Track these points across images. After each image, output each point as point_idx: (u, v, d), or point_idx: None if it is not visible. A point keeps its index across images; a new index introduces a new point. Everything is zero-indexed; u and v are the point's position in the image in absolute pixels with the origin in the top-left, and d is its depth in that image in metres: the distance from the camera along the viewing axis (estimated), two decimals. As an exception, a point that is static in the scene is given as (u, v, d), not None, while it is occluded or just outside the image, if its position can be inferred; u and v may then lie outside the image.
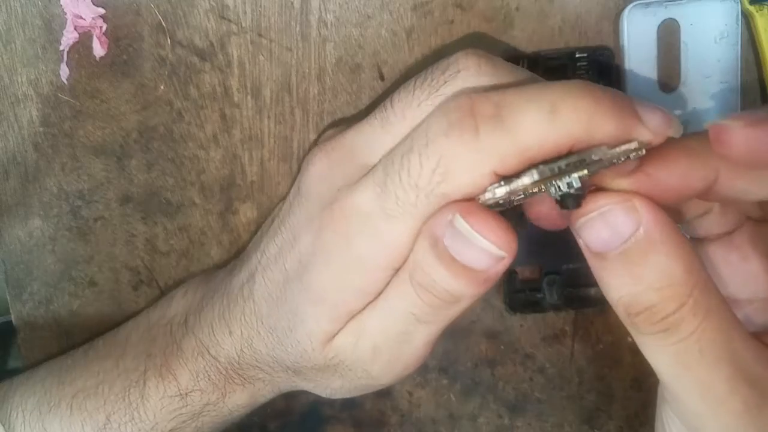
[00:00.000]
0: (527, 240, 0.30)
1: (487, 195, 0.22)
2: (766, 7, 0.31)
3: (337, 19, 0.31)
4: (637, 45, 0.31)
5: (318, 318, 0.26)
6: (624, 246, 0.21)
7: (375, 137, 0.25)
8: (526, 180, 0.22)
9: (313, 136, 0.32)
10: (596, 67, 0.31)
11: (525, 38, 0.32)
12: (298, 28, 0.31)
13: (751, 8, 0.31)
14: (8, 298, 0.33)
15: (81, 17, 0.29)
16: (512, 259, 0.24)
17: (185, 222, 0.33)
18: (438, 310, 0.25)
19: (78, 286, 0.33)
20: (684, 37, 0.32)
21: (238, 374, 0.29)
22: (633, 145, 0.21)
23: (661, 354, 0.22)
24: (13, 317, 0.33)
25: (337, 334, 0.26)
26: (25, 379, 0.31)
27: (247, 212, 0.33)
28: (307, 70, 0.31)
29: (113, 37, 0.30)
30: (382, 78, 0.32)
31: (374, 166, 0.25)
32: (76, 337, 0.33)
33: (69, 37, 0.29)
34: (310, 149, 0.30)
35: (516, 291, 0.34)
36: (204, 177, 0.32)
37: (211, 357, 0.29)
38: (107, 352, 0.30)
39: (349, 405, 0.37)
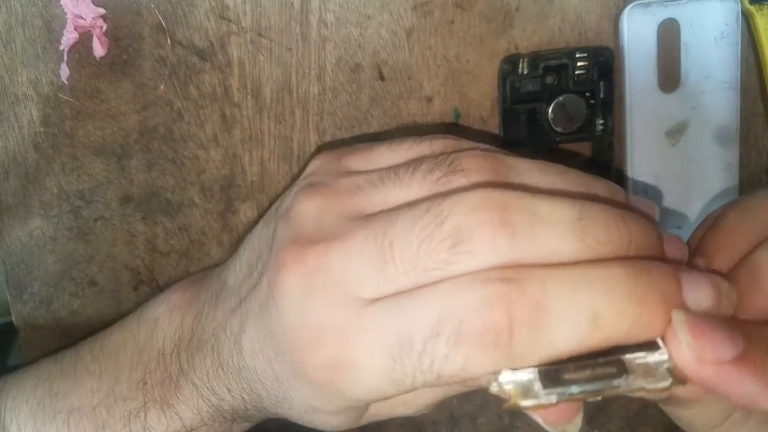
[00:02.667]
0: None
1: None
2: (766, 6, 0.31)
3: (337, 19, 0.31)
4: (637, 45, 0.31)
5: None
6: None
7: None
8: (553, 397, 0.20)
9: (313, 136, 0.32)
10: (596, 68, 0.31)
11: (525, 38, 0.32)
12: (298, 28, 0.31)
13: (751, 8, 0.31)
14: (9, 298, 0.33)
15: (81, 17, 0.29)
16: None
17: (185, 222, 0.33)
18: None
19: (78, 286, 0.33)
20: (684, 37, 0.32)
21: (248, 418, 0.28)
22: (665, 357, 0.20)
23: None
24: (13, 317, 0.33)
25: None
26: (17, 381, 0.30)
27: (247, 212, 0.33)
28: (307, 70, 0.31)
29: (113, 37, 0.30)
30: (382, 78, 0.32)
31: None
32: (77, 337, 0.33)
33: (69, 37, 0.29)
34: (304, 177, 0.27)
35: None
36: (204, 177, 0.32)
37: (214, 406, 0.27)
38: (98, 369, 0.29)
39: (349, 405, 0.37)
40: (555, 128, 0.32)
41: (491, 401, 0.37)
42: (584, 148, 0.33)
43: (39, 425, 0.28)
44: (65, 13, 0.29)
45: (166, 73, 0.31)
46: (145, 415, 0.27)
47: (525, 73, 0.31)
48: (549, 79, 0.31)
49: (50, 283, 0.33)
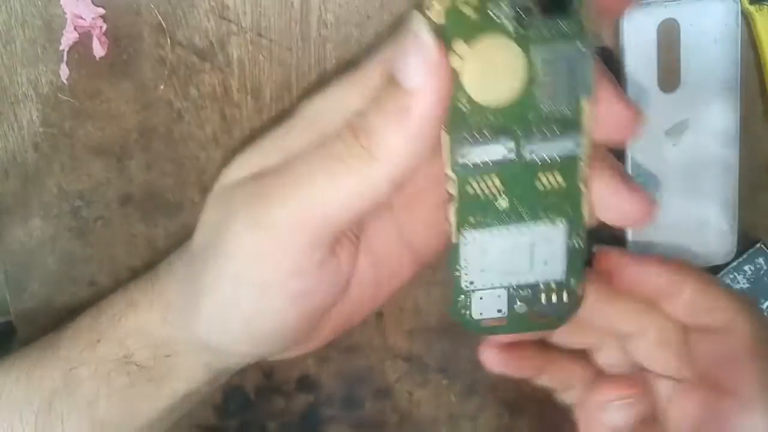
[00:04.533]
0: None
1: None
2: (766, 7, 0.31)
3: (337, 19, 0.31)
4: (637, 45, 0.31)
5: None
6: None
7: None
8: None
9: (313, 136, 0.32)
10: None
11: (525, 38, 0.32)
12: (298, 28, 0.31)
13: (751, 8, 0.31)
14: (8, 298, 0.33)
15: (81, 17, 0.29)
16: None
17: (185, 222, 0.33)
18: None
19: (78, 286, 0.33)
20: (684, 37, 0.32)
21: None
22: None
23: None
24: (12, 317, 0.33)
25: None
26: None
27: (247, 212, 0.33)
28: (307, 70, 0.31)
29: (113, 37, 0.30)
30: (382, 78, 0.32)
31: None
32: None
33: (69, 37, 0.29)
34: None
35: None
36: (204, 177, 0.32)
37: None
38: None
39: (349, 405, 0.37)
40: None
41: (491, 401, 0.37)
42: None
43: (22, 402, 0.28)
44: (65, 13, 0.29)
45: (166, 73, 0.31)
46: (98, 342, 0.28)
47: None
48: None
49: (50, 283, 0.33)
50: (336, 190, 0.22)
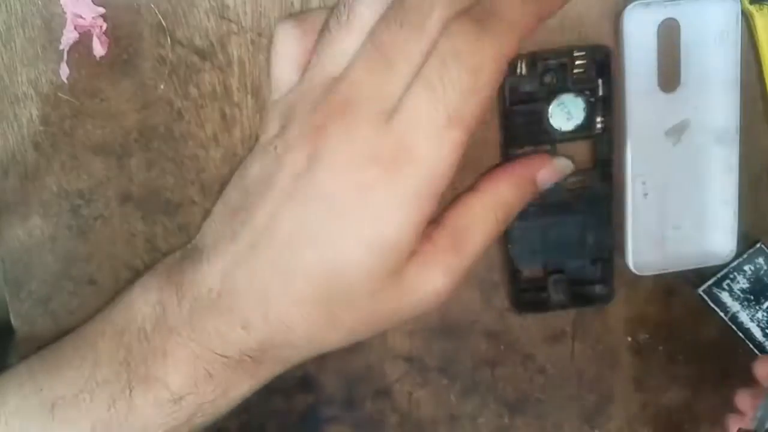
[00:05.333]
0: (530, 238, 0.31)
1: None
2: (766, 6, 0.31)
3: (337, 19, 0.31)
4: (637, 44, 0.31)
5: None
6: None
7: None
8: None
9: (313, 136, 0.32)
10: (594, 66, 0.31)
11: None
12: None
13: (751, 8, 0.31)
14: (7, 297, 0.33)
15: (81, 17, 0.29)
16: None
17: (185, 221, 0.33)
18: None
19: (77, 285, 0.33)
20: (684, 36, 0.32)
21: (258, 360, 0.28)
22: None
23: None
24: (11, 316, 0.33)
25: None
26: (4, 380, 0.30)
27: (246, 212, 0.33)
28: (307, 70, 0.31)
29: (113, 36, 0.30)
30: (382, 77, 0.32)
31: None
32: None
33: (69, 37, 0.29)
34: None
35: (521, 290, 0.34)
36: (204, 176, 0.32)
37: (218, 356, 0.27)
38: (78, 359, 0.29)
39: (349, 405, 0.36)
40: (555, 127, 0.32)
41: (491, 401, 0.37)
42: (584, 147, 0.33)
43: (25, 421, 0.28)
44: (65, 13, 0.29)
45: (166, 72, 0.31)
46: (130, 393, 0.27)
47: (524, 73, 0.31)
48: (547, 79, 0.31)
49: (49, 282, 0.33)
50: None
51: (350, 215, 0.25)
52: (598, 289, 0.34)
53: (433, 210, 0.26)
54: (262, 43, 0.31)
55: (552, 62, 0.31)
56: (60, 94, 0.30)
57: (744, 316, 0.35)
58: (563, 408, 0.37)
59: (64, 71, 0.30)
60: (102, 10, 0.29)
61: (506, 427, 0.37)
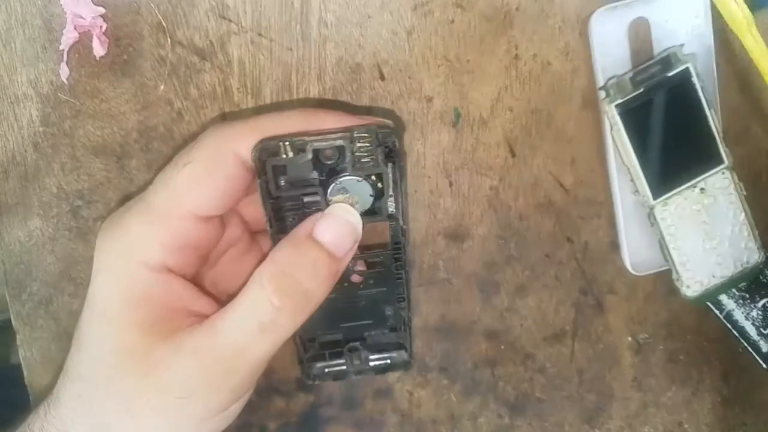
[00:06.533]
0: (323, 309, 0.28)
1: None
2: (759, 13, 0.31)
3: (337, 19, 0.31)
4: (609, 46, 0.31)
5: None
6: None
7: None
8: None
9: (313, 136, 0.32)
10: (381, 149, 0.27)
11: (525, 38, 0.32)
12: (298, 28, 0.31)
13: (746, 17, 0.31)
14: (7, 298, 0.33)
15: (81, 17, 0.29)
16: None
17: (185, 222, 0.32)
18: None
19: (77, 286, 0.33)
20: (655, 33, 0.32)
21: None
22: None
23: None
24: (12, 317, 0.33)
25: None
26: None
27: (247, 212, 0.33)
28: (307, 70, 0.31)
29: (113, 36, 0.30)
30: (382, 78, 0.32)
31: None
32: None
33: (69, 37, 0.29)
34: None
35: (314, 359, 0.33)
36: (204, 177, 0.32)
37: None
38: None
39: (349, 405, 0.36)
40: None
41: (491, 401, 0.37)
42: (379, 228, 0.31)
43: None
44: (65, 13, 0.29)
45: (166, 72, 0.31)
46: None
47: (290, 156, 0.27)
48: (326, 161, 0.28)
49: (49, 284, 0.33)
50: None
51: None
52: (396, 356, 0.33)
53: None
54: (263, 42, 0.31)
55: (326, 144, 0.27)
56: (60, 95, 0.30)
57: (739, 314, 0.35)
58: (563, 408, 0.37)
59: (64, 71, 0.30)
60: (102, 10, 0.29)
61: (506, 427, 0.37)
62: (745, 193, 0.33)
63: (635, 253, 0.34)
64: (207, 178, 0.27)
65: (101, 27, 0.29)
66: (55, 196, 0.32)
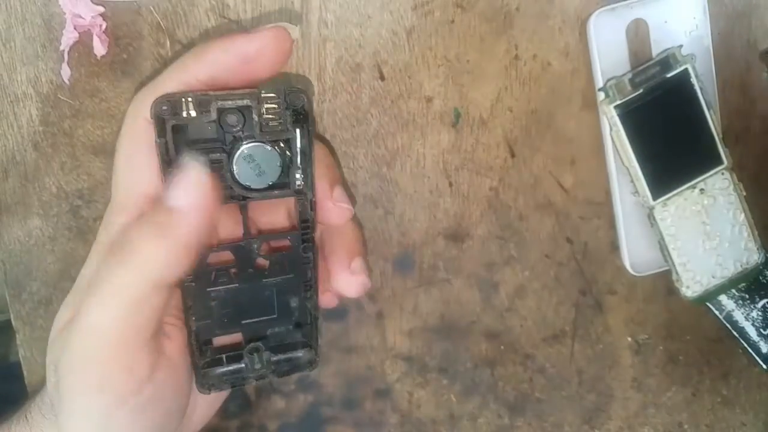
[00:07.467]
0: (223, 304, 0.26)
1: None
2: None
3: (337, 19, 0.31)
4: (608, 47, 0.31)
5: None
6: None
7: None
8: None
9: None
10: (289, 112, 0.26)
11: (525, 38, 0.32)
12: (298, 28, 0.31)
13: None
14: (7, 298, 0.33)
15: (80, 17, 0.29)
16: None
17: (185, 222, 0.32)
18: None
19: (77, 285, 0.33)
20: (654, 35, 0.32)
21: None
22: None
23: None
24: (12, 317, 0.33)
25: None
26: None
27: (247, 212, 0.33)
28: (307, 70, 0.31)
29: (113, 36, 0.30)
30: (382, 78, 0.32)
31: None
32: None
33: (69, 37, 0.29)
34: None
35: (209, 365, 0.29)
36: (204, 176, 0.32)
37: None
38: None
39: (349, 405, 0.36)
40: (242, 184, 0.26)
41: (491, 401, 0.37)
42: (284, 204, 0.29)
43: None
44: (65, 12, 0.29)
45: (166, 72, 0.31)
46: None
47: (192, 115, 0.25)
48: (231, 123, 0.26)
49: (49, 283, 0.33)
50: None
51: None
52: (301, 354, 0.30)
53: None
54: (263, 43, 0.31)
55: (231, 104, 0.25)
56: (59, 94, 0.30)
57: (739, 315, 0.35)
58: (563, 408, 0.37)
59: (66, 72, 0.30)
60: (101, 9, 0.29)
61: (506, 427, 0.37)
62: (744, 193, 0.33)
63: (635, 253, 0.34)
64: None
65: (101, 26, 0.29)
66: (55, 195, 0.32)
